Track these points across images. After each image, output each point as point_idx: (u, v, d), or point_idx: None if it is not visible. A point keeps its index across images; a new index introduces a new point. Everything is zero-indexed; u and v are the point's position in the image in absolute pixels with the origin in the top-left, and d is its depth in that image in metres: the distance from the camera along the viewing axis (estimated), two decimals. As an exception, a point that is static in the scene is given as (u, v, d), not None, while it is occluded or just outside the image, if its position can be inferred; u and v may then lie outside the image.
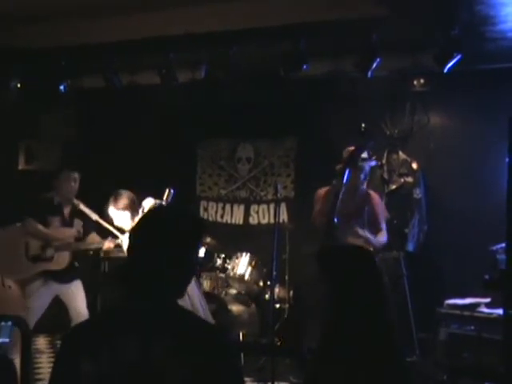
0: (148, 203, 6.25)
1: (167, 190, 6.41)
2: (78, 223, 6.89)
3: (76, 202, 6.79)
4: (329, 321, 2.57)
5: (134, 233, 2.34)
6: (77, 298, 6.85)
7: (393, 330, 2.61)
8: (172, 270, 2.25)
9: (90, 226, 6.88)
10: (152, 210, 2.45)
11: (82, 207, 6.76)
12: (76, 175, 6.89)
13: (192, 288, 6.61)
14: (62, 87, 8.39)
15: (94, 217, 6.70)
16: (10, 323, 5.32)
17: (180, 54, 7.70)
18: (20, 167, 10.36)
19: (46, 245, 6.71)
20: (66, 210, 6.88)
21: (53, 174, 7.06)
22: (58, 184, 6.87)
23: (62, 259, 6.71)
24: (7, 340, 5.61)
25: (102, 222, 6.65)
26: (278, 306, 7.97)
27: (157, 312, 2.22)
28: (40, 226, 6.74)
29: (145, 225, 2.33)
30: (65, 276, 6.77)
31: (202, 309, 6.61)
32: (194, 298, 6.56)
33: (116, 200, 6.36)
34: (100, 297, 7.59)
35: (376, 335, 2.50)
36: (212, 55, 7.81)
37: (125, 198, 6.41)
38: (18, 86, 8.51)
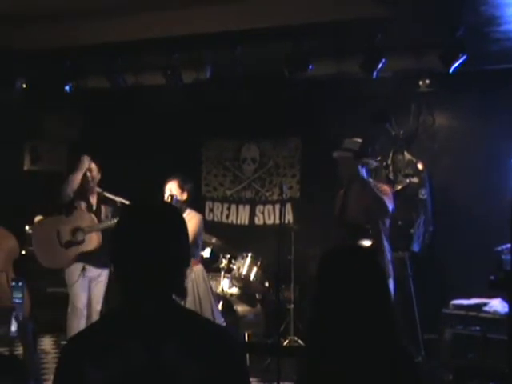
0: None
1: (169, 196, 6.44)
2: (107, 209, 7.33)
3: (99, 190, 7.32)
4: (328, 321, 2.56)
5: (124, 234, 2.27)
6: (100, 288, 7.32)
7: (396, 330, 2.60)
8: (170, 269, 2.23)
9: (118, 211, 7.22)
10: (136, 210, 2.36)
11: (106, 194, 7.28)
12: (90, 165, 7.31)
13: (204, 290, 6.62)
14: (67, 88, 8.39)
15: (118, 199, 7.22)
16: (20, 283, 5.41)
17: (185, 54, 7.70)
18: (25, 168, 10.40)
19: (75, 229, 7.13)
20: (93, 198, 7.32)
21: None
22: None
23: (91, 240, 7.11)
24: (21, 301, 5.71)
25: (126, 201, 7.10)
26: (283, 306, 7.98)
27: (162, 313, 2.20)
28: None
29: (134, 225, 2.26)
30: (100, 259, 7.14)
31: (211, 310, 6.61)
32: (204, 299, 6.56)
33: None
34: (110, 295, 7.59)
35: (379, 336, 2.50)
36: (217, 56, 7.81)
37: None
38: (24, 86, 8.52)
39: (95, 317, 7.13)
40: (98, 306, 7.31)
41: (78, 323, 7.10)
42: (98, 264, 7.21)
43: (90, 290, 7.29)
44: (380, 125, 6.65)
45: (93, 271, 7.23)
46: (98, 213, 7.29)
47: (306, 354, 2.69)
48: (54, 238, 7.19)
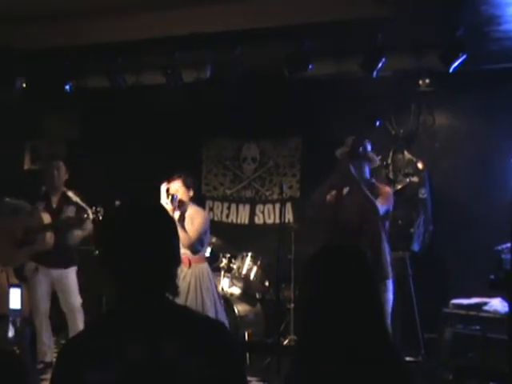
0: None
1: (170, 196, 6.43)
2: (71, 210, 7.17)
3: (64, 189, 7.23)
4: (315, 321, 2.56)
5: (118, 234, 2.27)
6: (69, 288, 7.18)
7: (385, 330, 2.60)
8: (167, 268, 2.24)
9: (84, 211, 7.11)
10: (130, 210, 2.36)
11: (69, 194, 7.21)
12: (58, 164, 7.30)
13: (207, 289, 6.59)
14: (67, 87, 8.40)
15: (75, 199, 7.15)
16: (18, 289, 5.34)
17: (185, 53, 7.70)
18: (25, 167, 10.40)
19: (28, 229, 7.05)
20: (55, 198, 7.23)
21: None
22: (44, 174, 7.32)
23: (43, 240, 7.02)
24: (19, 307, 5.66)
25: (80, 202, 7.11)
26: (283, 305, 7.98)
27: (161, 313, 2.20)
28: None
29: (128, 225, 2.27)
30: (56, 260, 7.08)
31: (215, 309, 6.58)
32: (207, 297, 6.53)
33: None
34: (105, 296, 7.58)
35: (366, 335, 2.50)
36: (217, 55, 7.81)
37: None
38: (24, 86, 8.52)
39: (78, 315, 7.12)
40: (73, 306, 7.16)
41: (41, 328, 7.12)
42: (56, 265, 7.11)
43: (57, 292, 7.20)
44: (373, 125, 6.63)
45: (52, 272, 7.12)
46: (57, 212, 7.17)
47: (295, 353, 2.70)
48: (10, 238, 7.10)
